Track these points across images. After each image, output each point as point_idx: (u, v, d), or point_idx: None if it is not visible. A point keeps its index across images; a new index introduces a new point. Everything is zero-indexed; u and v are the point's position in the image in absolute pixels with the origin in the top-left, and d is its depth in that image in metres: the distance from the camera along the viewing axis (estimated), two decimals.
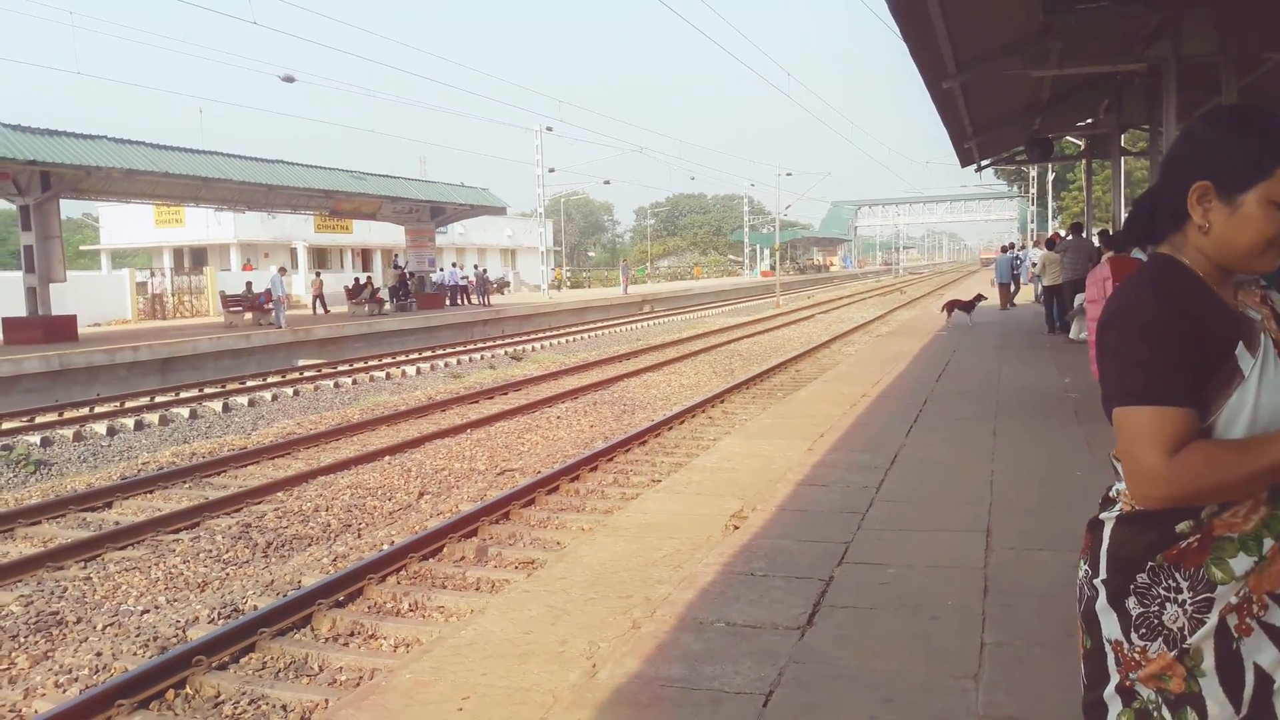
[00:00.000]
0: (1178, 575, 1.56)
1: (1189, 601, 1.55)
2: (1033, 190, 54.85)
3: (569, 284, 59.86)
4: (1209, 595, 1.54)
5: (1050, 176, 51.39)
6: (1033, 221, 56.80)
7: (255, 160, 27.52)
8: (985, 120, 18.21)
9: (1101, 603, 1.64)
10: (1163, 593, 1.57)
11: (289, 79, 26.35)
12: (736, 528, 5.28)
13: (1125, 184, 30.88)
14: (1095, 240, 17.67)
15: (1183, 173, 1.62)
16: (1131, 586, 1.60)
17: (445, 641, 3.69)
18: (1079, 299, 15.19)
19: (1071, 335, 15.11)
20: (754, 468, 6.85)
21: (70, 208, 44.86)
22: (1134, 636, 1.59)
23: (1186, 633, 1.55)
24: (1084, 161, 25.93)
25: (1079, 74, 14.13)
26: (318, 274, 37.27)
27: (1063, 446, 7.25)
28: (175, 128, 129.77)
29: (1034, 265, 24.74)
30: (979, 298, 20.87)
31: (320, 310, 33.13)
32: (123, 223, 44.70)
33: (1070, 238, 17.27)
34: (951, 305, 20.36)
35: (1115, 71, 14.44)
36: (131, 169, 22.89)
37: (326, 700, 4.78)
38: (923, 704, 3.12)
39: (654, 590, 4.22)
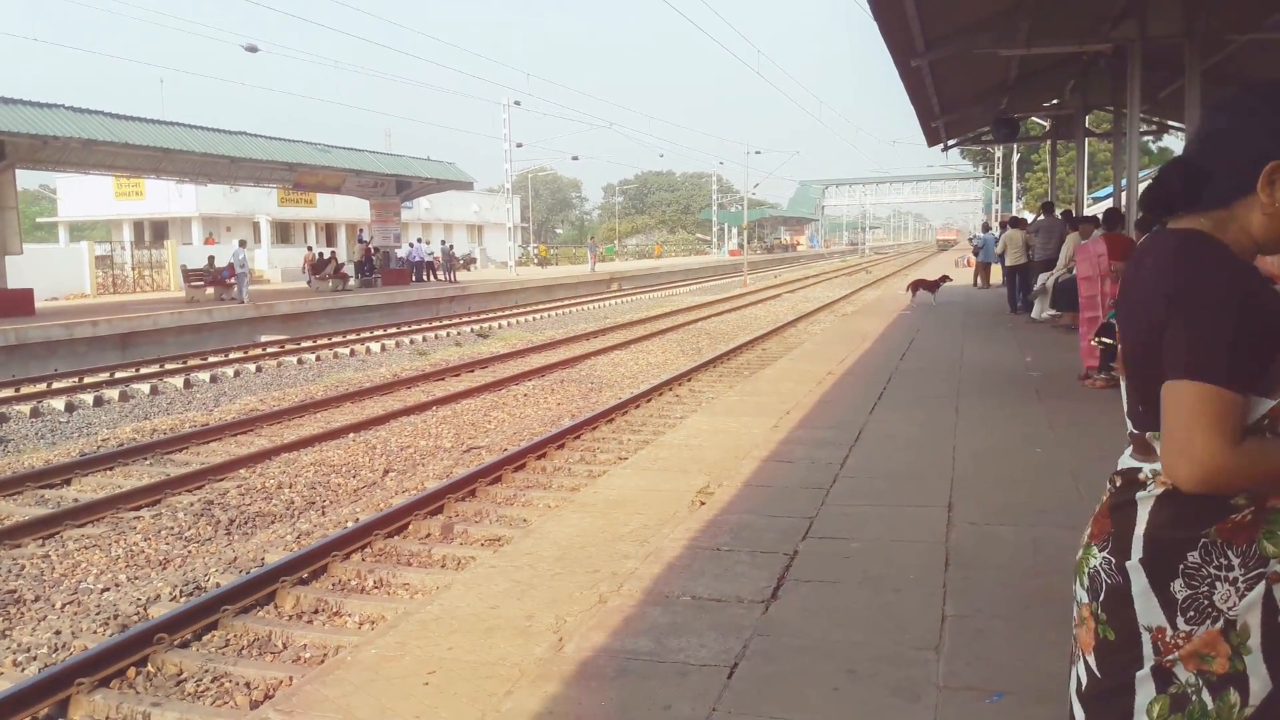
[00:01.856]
0: (1230, 552, 1.49)
1: (1240, 579, 1.49)
2: (998, 171, 55.26)
3: (536, 261, 59.63)
4: (1261, 570, 1.49)
5: (1015, 157, 51.80)
6: (997, 202, 57.27)
7: (218, 131, 27.04)
8: (953, 99, 18.29)
9: (1139, 588, 1.54)
10: (1214, 571, 1.49)
11: (252, 49, 25.91)
12: (703, 503, 5.31)
13: (1089, 165, 31.22)
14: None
15: (1242, 147, 1.53)
16: (1180, 567, 1.51)
17: (411, 617, 3.68)
18: (1043, 278, 15.36)
19: (1034, 315, 15.27)
20: (720, 444, 6.87)
21: (26, 179, 43.84)
22: (1180, 621, 1.51)
23: (1236, 609, 1.49)
24: (1049, 142, 26.15)
25: (1046, 54, 14.23)
26: (310, 248, 36.93)
27: (1023, 424, 7.35)
28: (135, 97, 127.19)
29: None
30: (944, 278, 21.02)
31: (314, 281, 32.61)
32: (81, 195, 43.81)
33: (1042, 218, 17.44)
34: (916, 285, 20.52)
35: (1082, 52, 14.55)
36: (90, 139, 22.40)
37: (290, 677, 4.76)
38: (885, 675, 3.16)
39: (620, 565, 4.24)
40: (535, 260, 62.00)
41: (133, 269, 33.07)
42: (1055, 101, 20.44)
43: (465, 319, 27.11)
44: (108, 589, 6.48)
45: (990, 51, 12.86)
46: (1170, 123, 20.16)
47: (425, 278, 37.96)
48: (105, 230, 46.91)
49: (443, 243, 45.76)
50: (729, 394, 10.24)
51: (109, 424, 12.59)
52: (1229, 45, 12.96)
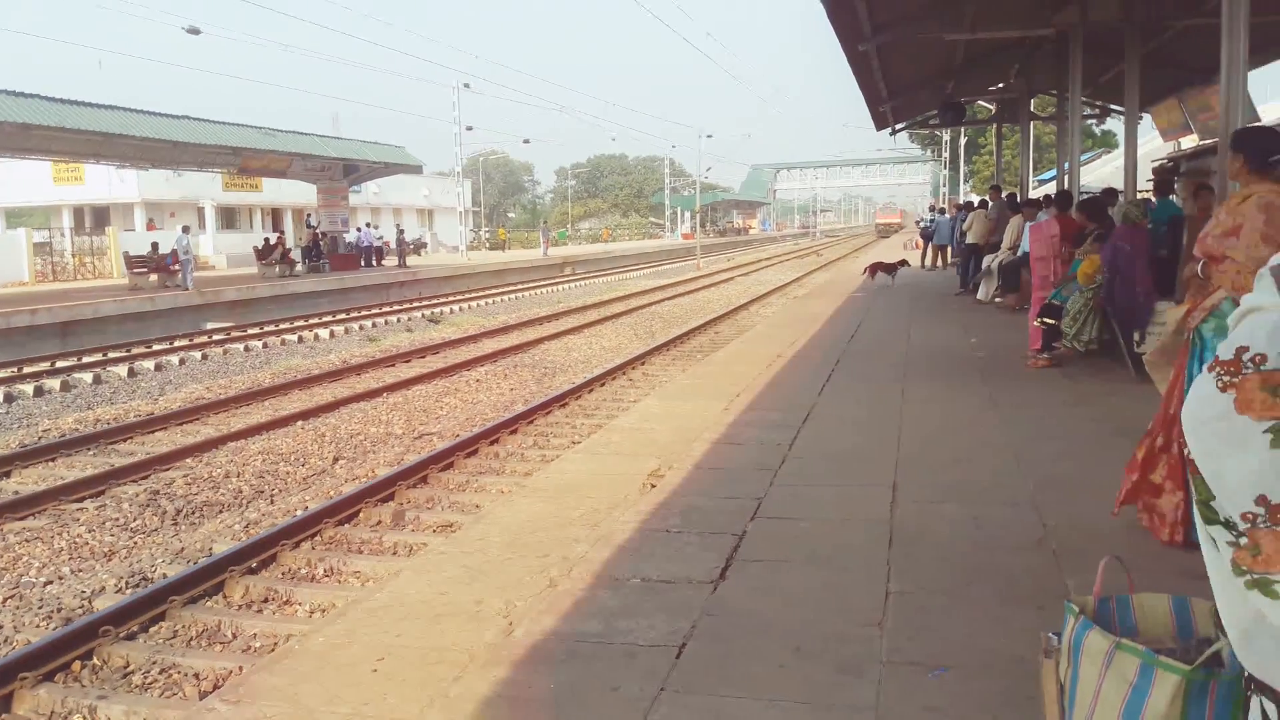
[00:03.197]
0: None
1: None
2: (945, 154, 55.89)
3: (489, 245, 59.16)
4: None
5: (963, 140, 52.42)
6: (944, 185, 57.94)
7: (159, 115, 26.43)
8: (900, 84, 18.46)
9: None
10: None
11: (194, 31, 25.35)
12: (654, 486, 5.35)
13: (1034, 148, 31.66)
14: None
15: None
16: None
17: (360, 605, 3.68)
18: (988, 260, 15.61)
19: (979, 296, 15.51)
20: (672, 428, 6.92)
21: None
22: None
23: None
24: (995, 126, 26.50)
25: (991, 38, 14.41)
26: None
27: (967, 404, 7.47)
28: (73, 81, 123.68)
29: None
30: (902, 262, 21.23)
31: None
32: (17, 180, 42.55)
33: (994, 202, 17.73)
34: (874, 268, 20.66)
35: (1025, 37, 14.75)
36: (25, 123, 21.79)
37: (240, 666, 4.73)
38: (831, 652, 3.22)
39: (571, 549, 4.26)
40: (488, 244, 61.59)
41: (73, 256, 32.30)
42: (1001, 85, 20.72)
43: (416, 304, 26.89)
44: (50, 582, 6.37)
45: (936, 36, 13.00)
46: (1112, 106, 20.52)
47: (375, 263, 37.55)
48: (44, 216, 45.68)
49: (397, 227, 45.26)
50: (681, 377, 10.29)
51: (50, 414, 12.32)
52: (1167, 31, 13.22)
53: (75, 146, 25.48)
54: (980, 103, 25.51)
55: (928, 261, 25.76)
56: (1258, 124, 6.67)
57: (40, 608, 5.87)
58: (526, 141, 57.84)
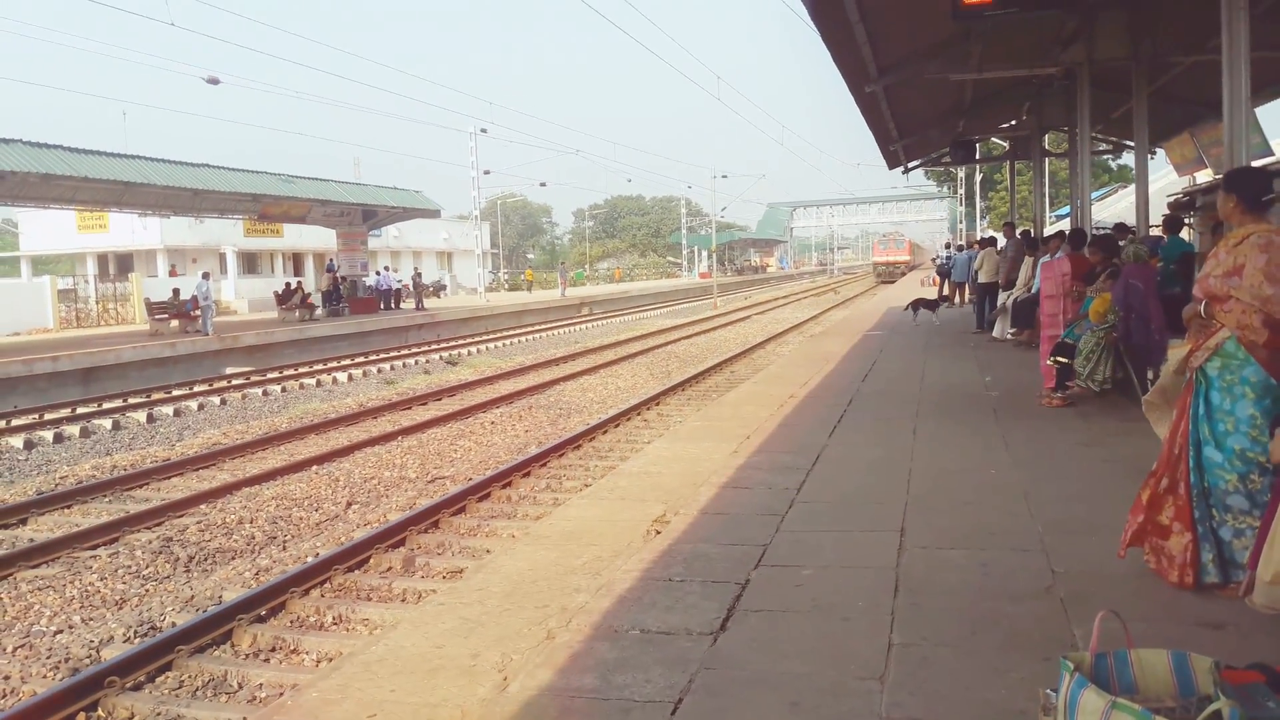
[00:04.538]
0: None
1: None
2: (961, 190, 55.91)
3: (507, 286, 59.44)
4: None
5: (978, 177, 52.45)
6: (962, 221, 57.90)
7: (179, 164, 26.89)
8: (909, 123, 18.54)
9: None
10: None
11: (214, 81, 25.80)
12: (658, 533, 5.31)
13: (1050, 184, 31.65)
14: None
15: None
16: None
17: (355, 658, 3.66)
18: (1002, 298, 15.54)
19: (995, 334, 15.43)
20: (679, 471, 6.89)
21: None
22: None
23: None
24: (1009, 162, 26.51)
25: (999, 78, 14.47)
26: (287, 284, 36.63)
27: (979, 445, 7.41)
28: (98, 131, 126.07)
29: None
30: (943, 298, 21.28)
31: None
32: (43, 228, 43.32)
33: (1009, 239, 17.68)
34: (917, 304, 20.55)
35: (1033, 75, 14.81)
36: (48, 173, 22.22)
37: (245, 718, 4.72)
38: (828, 707, 3.17)
39: (571, 599, 4.23)
40: (507, 286, 61.89)
41: (97, 302, 32.74)
42: (1012, 123, 20.76)
43: (434, 346, 27.02)
44: (60, 631, 6.39)
45: (942, 77, 13.06)
46: (1125, 142, 20.51)
47: (394, 305, 37.82)
48: (69, 264, 46.40)
49: (415, 269, 45.65)
50: (692, 419, 10.26)
51: (69, 461, 12.42)
52: (1174, 68, 13.24)
53: (97, 195, 25.92)
54: (994, 139, 25.56)
55: (952, 299, 25.66)
56: (1249, 165, 6.64)
57: (49, 657, 5.89)
58: (543, 184, 58.39)
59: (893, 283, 51.90)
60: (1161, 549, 4.20)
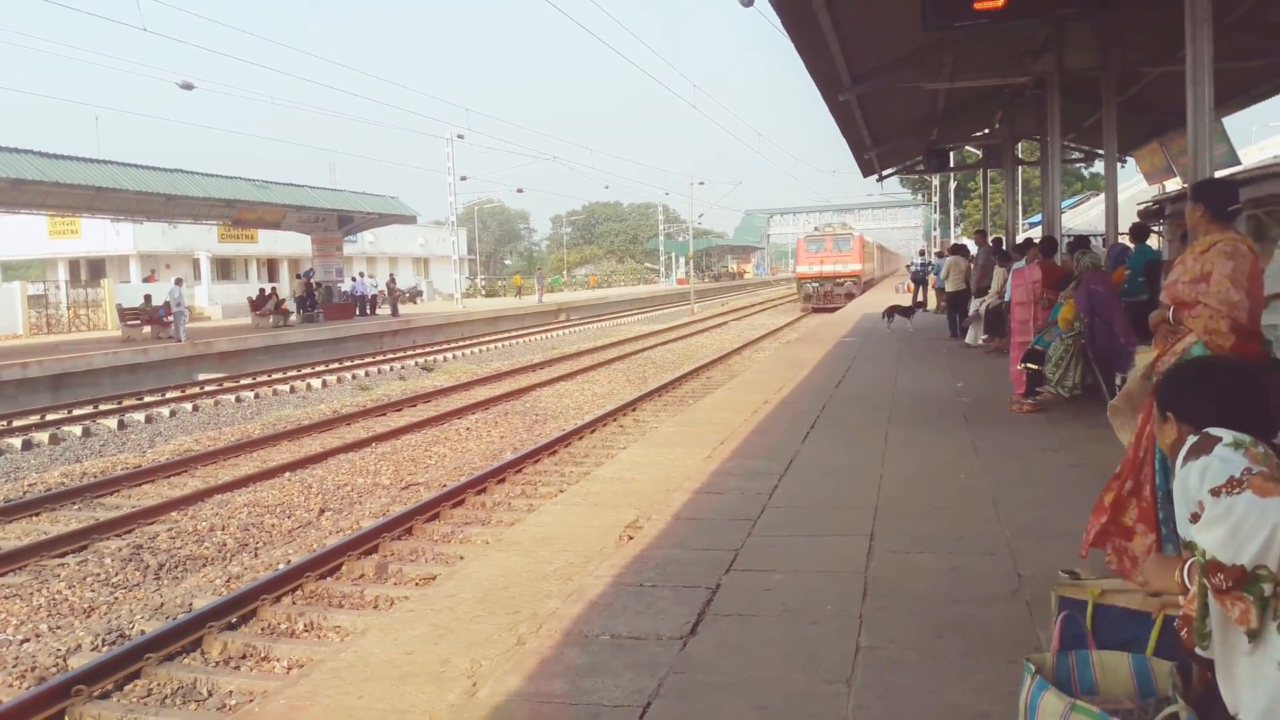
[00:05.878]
0: None
1: None
2: (935, 198, 56.34)
3: (484, 292, 59.30)
4: None
5: (952, 184, 52.88)
6: (936, 229, 58.34)
7: (152, 169, 26.63)
8: (884, 132, 18.67)
9: None
10: None
11: (188, 86, 25.61)
12: (631, 538, 5.33)
13: (1023, 192, 31.93)
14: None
15: None
16: None
17: (324, 665, 3.65)
18: (974, 304, 15.68)
19: (967, 340, 15.55)
20: (653, 477, 6.90)
21: None
22: None
23: None
24: (982, 170, 26.74)
25: (971, 86, 14.61)
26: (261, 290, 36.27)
27: (950, 451, 7.47)
28: (70, 135, 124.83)
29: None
30: (918, 304, 21.37)
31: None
32: (13, 233, 42.80)
33: (981, 247, 17.86)
34: (891, 311, 20.61)
35: (1005, 84, 14.97)
36: (19, 178, 21.95)
37: None
38: (796, 710, 3.20)
39: (542, 605, 4.24)
40: (483, 292, 61.74)
41: (68, 308, 32.38)
42: (986, 131, 20.96)
43: (410, 352, 26.92)
44: (27, 640, 6.32)
45: (915, 85, 13.18)
46: (1096, 150, 20.75)
47: (370, 312, 37.64)
48: (40, 269, 45.86)
49: (389, 275, 45.44)
50: (667, 425, 10.29)
51: (38, 468, 12.28)
52: (1143, 78, 13.42)
53: (69, 200, 25.64)
54: (967, 148, 25.79)
55: (927, 304, 25.84)
56: (1214, 176, 6.76)
57: (14, 666, 5.82)
58: (520, 191, 58.39)
59: (832, 311, 33.14)
60: (1125, 550, 4.25)
